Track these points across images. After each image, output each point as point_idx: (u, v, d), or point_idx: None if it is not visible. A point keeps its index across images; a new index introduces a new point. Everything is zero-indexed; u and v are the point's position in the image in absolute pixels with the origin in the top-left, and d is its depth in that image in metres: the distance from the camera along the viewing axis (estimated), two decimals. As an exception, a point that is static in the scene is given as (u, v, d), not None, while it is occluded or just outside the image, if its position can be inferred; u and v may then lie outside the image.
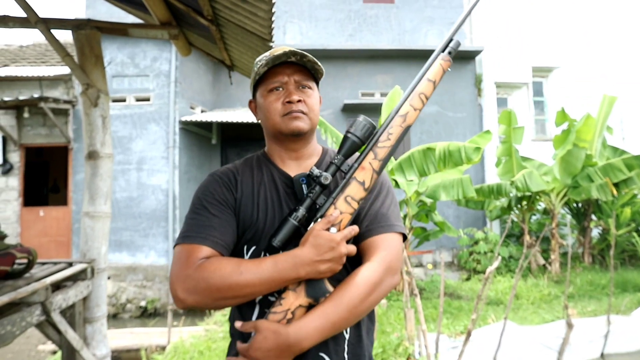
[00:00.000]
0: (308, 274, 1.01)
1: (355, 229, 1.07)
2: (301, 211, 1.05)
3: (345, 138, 1.11)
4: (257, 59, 1.22)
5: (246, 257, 1.13)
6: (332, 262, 1.02)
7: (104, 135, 3.28)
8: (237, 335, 1.15)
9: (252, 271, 1.01)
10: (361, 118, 1.11)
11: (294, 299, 1.03)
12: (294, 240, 1.06)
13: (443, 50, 1.17)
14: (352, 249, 1.05)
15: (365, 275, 1.05)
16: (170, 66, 8.51)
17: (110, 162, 3.33)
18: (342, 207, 1.07)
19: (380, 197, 1.18)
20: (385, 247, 1.10)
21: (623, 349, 5.43)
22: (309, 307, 1.04)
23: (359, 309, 1.03)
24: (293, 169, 1.20)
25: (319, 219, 1.06)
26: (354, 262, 1.12)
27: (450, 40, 1.17)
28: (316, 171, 1.06)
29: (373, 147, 1.10)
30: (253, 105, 1.27)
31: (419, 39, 10.07)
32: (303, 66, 1.18)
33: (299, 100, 1.15)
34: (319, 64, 1.18)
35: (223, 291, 1.00)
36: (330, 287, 1.05)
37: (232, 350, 1.17)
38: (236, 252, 1.14)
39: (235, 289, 1.00)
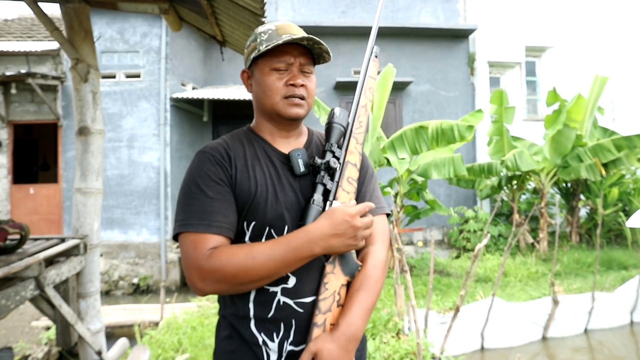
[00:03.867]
0: (323, 250, 1.06)
1: (370, 205, 1.13)
2: (318, 197, 1.12)
3: (332, 127, 1.20)
4: (260, 30, 1.20)
5: (247, 233, 1.13)
6: (345, 237, 1.07)
7: (94, 111, 3.25)
8: (230, 317, 1.16)
9: (266, 253, 1.04)
10: (338, 109, 1.23)
11: (336, 281, 1.12)
12: None
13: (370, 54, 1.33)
14: (369, 221, 1.11)
15: (378, 258, 1.17)
16: (160, 42, 8.38)
17: (102, 138, 3.31)
18: (347, 188, 1.18)
19: (372, 180, 1.30)
20: (381, 229, 1.23)
21: (606, 324, 5.59)
22: (348, 285, 1.14)
23: (381, 289, 1.16)
24: (283, 146, 1.23)
25: (333, 201, 1.14)
26: None
27: (372, 47, 1.32)
28: (319, 160, 1.15)
29: (352, 133, 1.22)
30: (246, 75, 1.26)
31: (413, 16, 9.97)
32: (307, 49, 1.19)
33: (302, 85, 1.17)
34: (329, 52, 1.20)
35: (240, 277, 1.04)
36: (358, 261, 1.16)
37: (222, 332, 1.19)
38: (237, 229, 1.14)
39: (251, 274, 1.03)
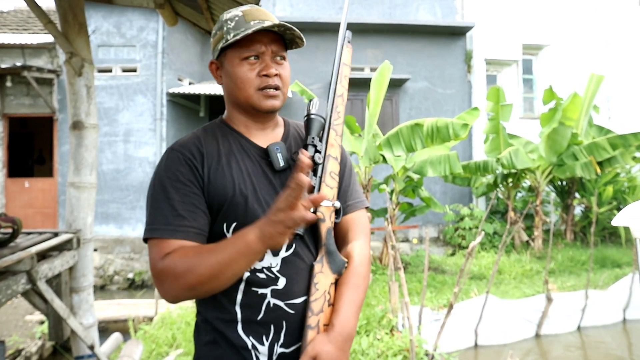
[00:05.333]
0: (258, 238, 0.91)
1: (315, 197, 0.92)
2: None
3: (312, 120, 1.13)
4: (226, 17, 1.12)
5: (228, 235, 1.06)
6: (286, 228, 0.89)
7: (88, 105, 3.23)
8: (214, 321, 1.08)
9: (212, 250, 0.97)
10: (316, 100, 1.16)
11: (325, 280, 1.08)
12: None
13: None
14: (310, 216, 0.89)
15: (363, 254, 1.14)
16: (157, 37, 8.35)
17: (96, 133, 3.29)
18: (330, 183, 1.12)
19: (352, 173, 1.25)
20: (364, 223, 1.21)
21: (599, 322, 5.62)
22: (335, 282, 1.10)
23: (368, 284, 1.14)
24: (260, 139, 1.16)
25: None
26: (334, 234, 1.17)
27: (345, 32, 1.25)
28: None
29: (331, 125, 1.15)
30: (215, 66, 1.17)
31: (410, 13, 9.95)
32: (278, 34, 1.12)
33: (276, 75, 1.10)
34: (302, 37, 1.13)
35: (189, 278, 0.95)
36: (344, 258, 1.12)
37: (203, 337, 1.11)
38: (217, 232, 1.07)
39: (198, 273, 0.95)
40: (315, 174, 1.09)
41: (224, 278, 0.97)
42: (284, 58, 1.13)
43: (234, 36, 1.07)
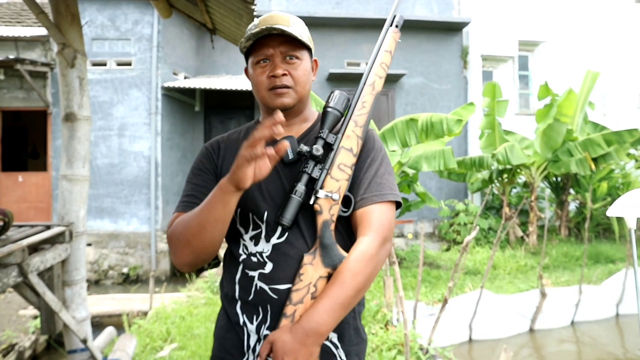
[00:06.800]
0: (228, 181, 1.00)
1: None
2: (300, 187, 1.09)
3: (326, 112, 1.16)
4: (249, 25, 1.21)
5: (237, 219, 1.18)
6: (245, 159, 0.96)
7: (81, 97, 3.19)
8: (222, 297, 1.24)
9: (200, 206, 1.08)
10: (337, 92, 1.18)
11: (313, 272, 1.07)
12: (300, 213, 1.12)
13: (391, 25, 1.27)
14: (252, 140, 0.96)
15: (363, 250, 1.06)
16: (152, 30, 8.28)
17: (88, 125, 3.26)
18: (337, 175, 1.12)
19: (374, 164, 1.18)
20: (379, 218, 1.11)
21: (592, 317, 5.65)
22: (329, 277, 1.07)
23: (363, 284, 1.05)
24: (285, 134, 1.19)
25: (319, 190, 1.10)
26: (349, 229, 1.17)
27: (394, 16, 1.26)
28: (305, 147, 1.11)
29: (352, 116, 1.17)
30: (247, 72, 1.28)
31: (407, 8, 9.92)
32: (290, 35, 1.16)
33: (284, 74, 1.15)
34: (303, 37, 1.15)
35: (187, 235, 1.07)
36: (343, 253, 1.09)
37: (220, 310, 1.26)
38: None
39: (194, 228, 1.06)
40: (322, 167, 1.12)
41: (210, 227, 1.05)
42: (296, 57, 1.17)
43: (245, 44, 1.17)
